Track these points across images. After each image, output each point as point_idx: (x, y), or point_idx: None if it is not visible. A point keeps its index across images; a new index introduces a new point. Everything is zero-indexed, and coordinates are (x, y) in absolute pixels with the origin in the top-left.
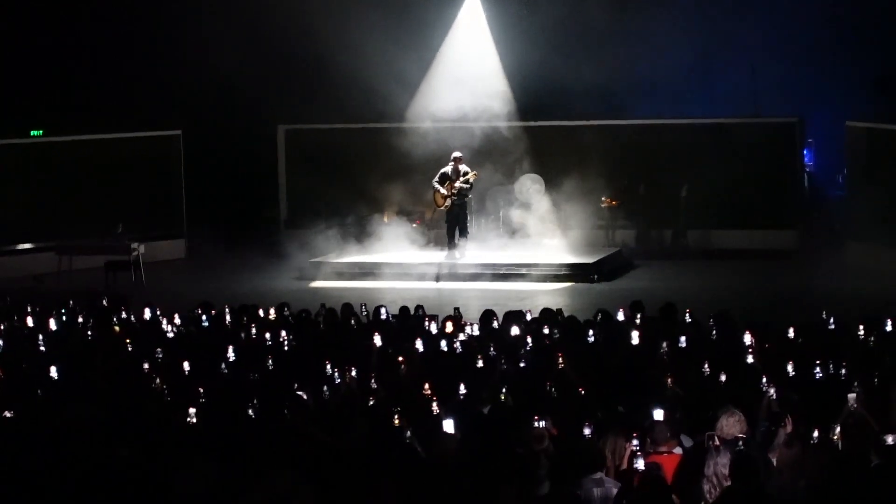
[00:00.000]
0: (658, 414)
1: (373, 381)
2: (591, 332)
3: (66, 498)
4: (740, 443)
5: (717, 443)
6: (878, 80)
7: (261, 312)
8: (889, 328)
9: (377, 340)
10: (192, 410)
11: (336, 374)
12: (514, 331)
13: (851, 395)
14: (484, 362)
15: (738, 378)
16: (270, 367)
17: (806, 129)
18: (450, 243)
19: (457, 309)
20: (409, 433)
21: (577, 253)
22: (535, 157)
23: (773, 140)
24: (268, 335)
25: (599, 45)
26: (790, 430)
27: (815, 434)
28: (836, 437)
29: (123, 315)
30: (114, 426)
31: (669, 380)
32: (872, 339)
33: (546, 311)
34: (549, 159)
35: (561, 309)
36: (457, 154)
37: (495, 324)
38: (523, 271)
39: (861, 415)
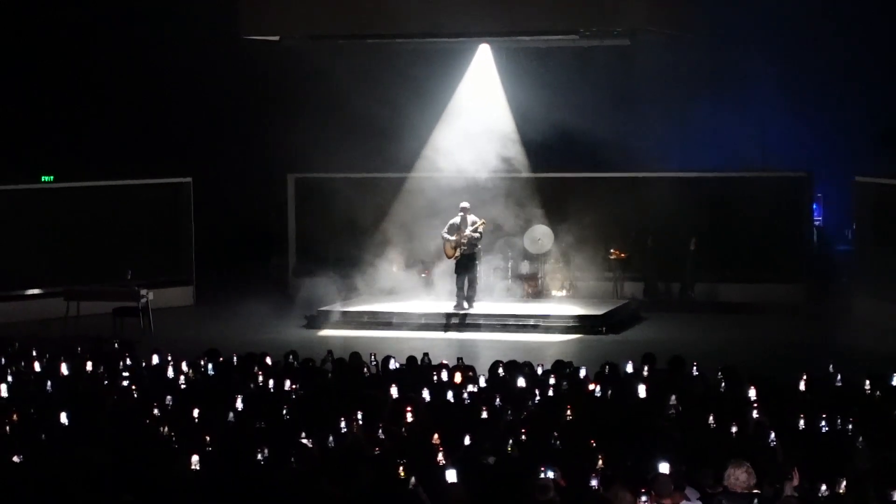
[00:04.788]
0: (662, 466)
1: (387, 430)
2: (598, 384)
3: None
4: (755, 501)
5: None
6: (885, 135)
7: (268, 360)
8: (895, 383)
9: (393, 391)
10: (195, 458)
11: (343, 422)
12: (521, 382)
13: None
14: (490, 413)
15: (745, 432)
16: (278, 416)
17: (814, 183)
18: (459, 293)
19: (460, 359)
20: (412, 481)
21: (586, 305)
22: (544, 208)
23: (781, 194)
24: (271, 382)
25: (608, 98)
26: (796, 484)
27: (823, 488)
28: (841, 492)
29: (130, 361)
30: (121, 472)
31: (677, 432)
32: (878, 393)
33: (558, 363)
34: (558, 210)
35: (571, 361)
36: (465, 204)
37: (502, 374)
38: (532, 322)
39: (867, 470)
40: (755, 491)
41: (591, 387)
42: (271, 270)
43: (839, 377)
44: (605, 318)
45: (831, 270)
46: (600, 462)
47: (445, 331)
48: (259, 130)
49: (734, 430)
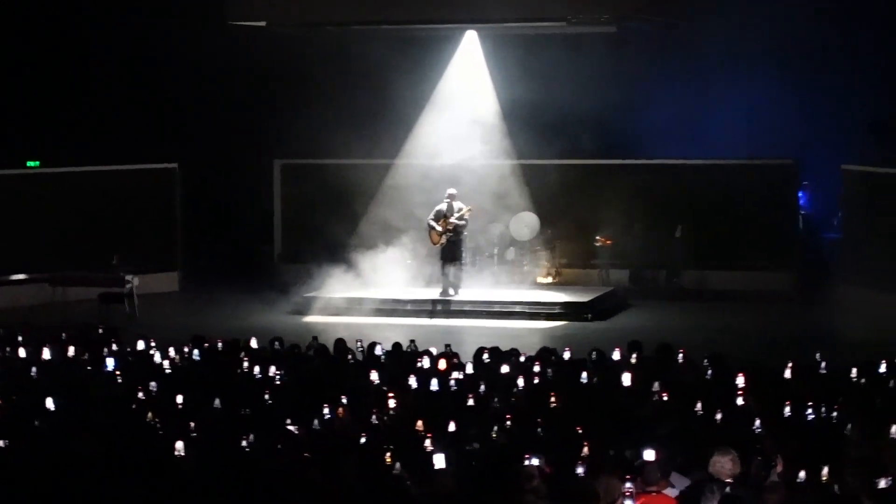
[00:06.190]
0: (648, 454)
1: (373, 417)
2: (584, 371)
3: None
4: (727, 489)
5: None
6: (872, 124)
7: (254, 345)
8: (882, 370)
9: (374, 377)
10: (179, 444)
11: (328, 409)
12: (505, 369)
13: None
14: (475, 400)
15: (731, 419)
16: (263, 402)
17: (801, 171)
18: (444, 280)
19: (448, 346)
20: (398, 466)
21: (572, 291)
22: (530, 195)
23: (768, 182)
24: (257, 369)
25: (595, 86)
26: (780, 471)
27: (802, 475)
28: (825, 479)
29: (116, 347)
30: (108, 459)
31: (664, 420)
32: (864, 381)
33: (544, 350)
34: (544, 197)
35: (556, 349)
36: (451, 191)
37: (487, 361)
38: (517, 309)
39: (856, 457)
40: (728, 481)
41: (578, 374)
42: (257, 256)
43: (825, 365)
44: (592, 304)
45: (818, 258)
46: (586, 449)
47: (431, 317)
48: (246, 116)
49: (719, 417)
